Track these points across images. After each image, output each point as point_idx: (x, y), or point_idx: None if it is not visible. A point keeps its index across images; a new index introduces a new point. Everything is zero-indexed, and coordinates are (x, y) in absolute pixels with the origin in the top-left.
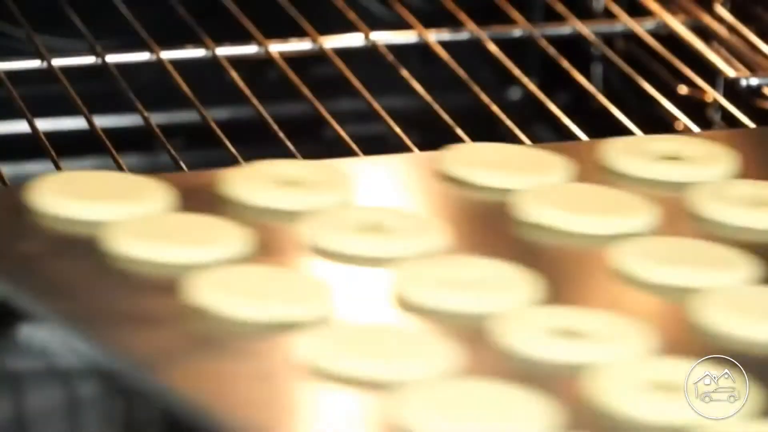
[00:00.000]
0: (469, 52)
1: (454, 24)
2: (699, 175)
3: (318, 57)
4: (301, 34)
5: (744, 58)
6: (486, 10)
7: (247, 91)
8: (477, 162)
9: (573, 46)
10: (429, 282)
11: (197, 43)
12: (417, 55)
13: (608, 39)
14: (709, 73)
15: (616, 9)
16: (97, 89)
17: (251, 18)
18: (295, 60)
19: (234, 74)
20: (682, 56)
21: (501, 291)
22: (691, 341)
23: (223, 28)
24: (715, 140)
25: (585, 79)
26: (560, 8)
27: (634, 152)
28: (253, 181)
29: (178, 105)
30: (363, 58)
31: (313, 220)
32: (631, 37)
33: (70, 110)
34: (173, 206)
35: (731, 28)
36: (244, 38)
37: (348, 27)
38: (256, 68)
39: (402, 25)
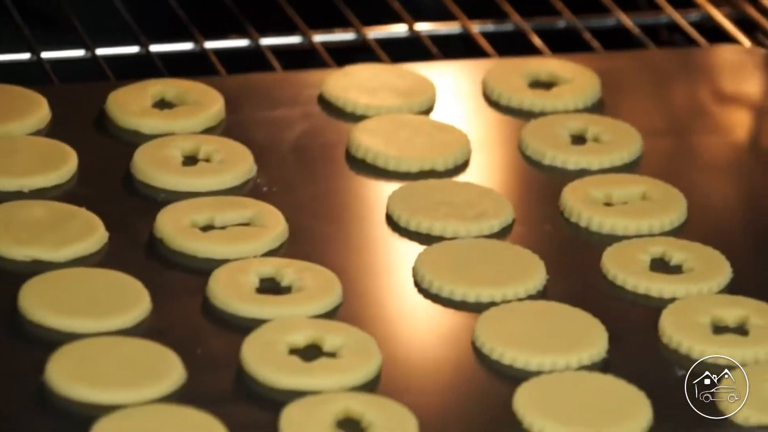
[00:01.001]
0: (512, 43)
1: (498, 15)
2: (555, 106)
3: (361, 47)
4: (344, 24)
5: None
6: (530, 1)
7: None
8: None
9: (617, 38)
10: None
11: (241, 32)
12: (461, 45)
13: (652, 30)
14: None
15: (660, 0)
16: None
17: (295, 8)
18: (338, 50)
19: (276, 64)
20: None
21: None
22: None
23: (265, 17)
24: (588, 64)
25: None
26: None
27: (507, 77)
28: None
29: None
30: (407, 49)
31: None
32: (674, 28)
33: None
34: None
35: None
36: (287, 28)
37: (392, 17)
38: (298, 58)
39: (446, 15)
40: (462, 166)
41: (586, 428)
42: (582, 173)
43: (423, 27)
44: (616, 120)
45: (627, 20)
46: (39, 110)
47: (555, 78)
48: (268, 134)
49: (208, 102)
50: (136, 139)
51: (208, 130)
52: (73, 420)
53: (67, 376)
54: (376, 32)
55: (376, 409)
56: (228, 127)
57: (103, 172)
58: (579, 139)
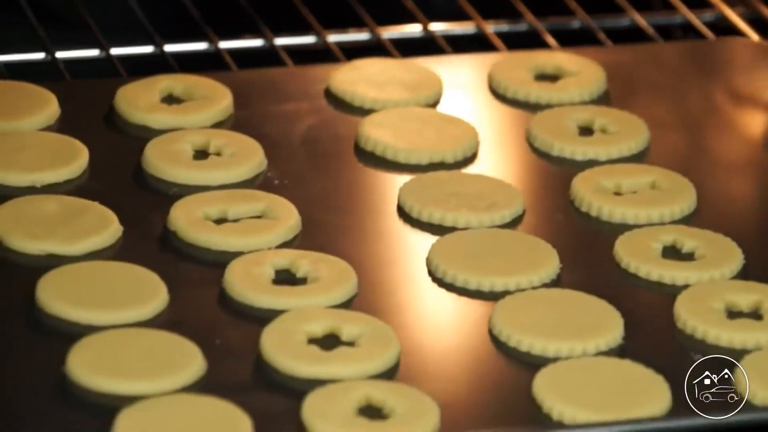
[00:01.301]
0: (527, 43)
1: (512, 15)
2: (561, 98)
3: (376, 47)
4: (359, 24)
5: None
6: (544, 1)
7: None
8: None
9: (631, 38)
10: None
11: (255, 32)
12: (475, 45)
13: (666, 30)
14: None
15: (675, 0)
16: None
17: (309, 8)
18: (352, 50)
19: (290, 64)
20: None
21: None
22: None
23: (279, 17)
24: (594, 57)
25: None
26: None
27: (513, 70)
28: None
29: None
30: (421, 49)
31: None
32: (689, 28)
33: None
34: None
35: None
36: (301, 28)
37: (406, 17)
38: (312, 58)
39: (460, 15)
40: (471, 158)
41: (606, 412)
42: (590, 164)
43: (437, 27)
44: (622, 111)
45: (641, 20)
46: (48, 106)
47: (560, 71)
48: (277, 128)
49: (216, 97)
50: (146, 134)
51: (217, 125)
52: (95, 411)
53: (89, 367)
54: (391, 32)
55: (398, 397)
56: (237, 122)
57: (114, 167)
58: (586, 131)
